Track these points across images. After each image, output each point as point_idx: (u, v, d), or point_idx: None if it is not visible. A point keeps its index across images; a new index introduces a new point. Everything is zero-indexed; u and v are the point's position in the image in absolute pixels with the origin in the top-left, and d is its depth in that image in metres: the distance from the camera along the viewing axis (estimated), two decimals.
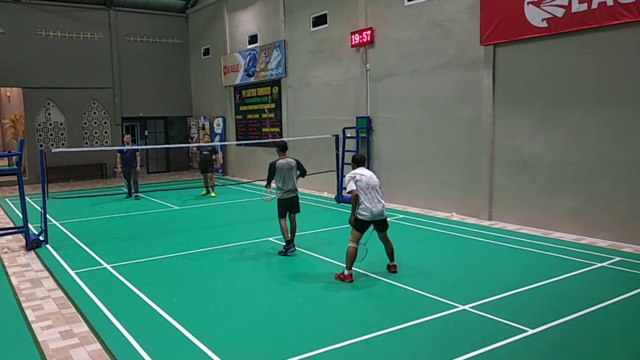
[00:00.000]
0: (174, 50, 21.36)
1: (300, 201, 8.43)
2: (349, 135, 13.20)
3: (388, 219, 6.96)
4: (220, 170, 19.57)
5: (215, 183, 15.45)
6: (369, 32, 12.51)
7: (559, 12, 8.72)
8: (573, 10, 8.51)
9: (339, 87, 13.88)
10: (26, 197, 9.24)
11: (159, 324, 5.41)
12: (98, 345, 4.91)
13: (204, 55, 20.72)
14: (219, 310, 5.82)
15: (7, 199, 14.49)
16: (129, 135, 14.62)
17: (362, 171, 6.84)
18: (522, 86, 9.55)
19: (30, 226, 8.93)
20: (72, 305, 5.99)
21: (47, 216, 9.41)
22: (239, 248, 8.61)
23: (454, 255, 7.97)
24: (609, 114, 8.33)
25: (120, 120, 20.32)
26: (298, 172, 8.31)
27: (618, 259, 7.45)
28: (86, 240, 9.21)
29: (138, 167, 14.25)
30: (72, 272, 7.29)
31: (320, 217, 11.11)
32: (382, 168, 12.60)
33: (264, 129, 17.52)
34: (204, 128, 20.68)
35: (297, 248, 8.24)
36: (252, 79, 17.56)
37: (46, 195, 9.26)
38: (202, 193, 14.75)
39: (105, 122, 20.11)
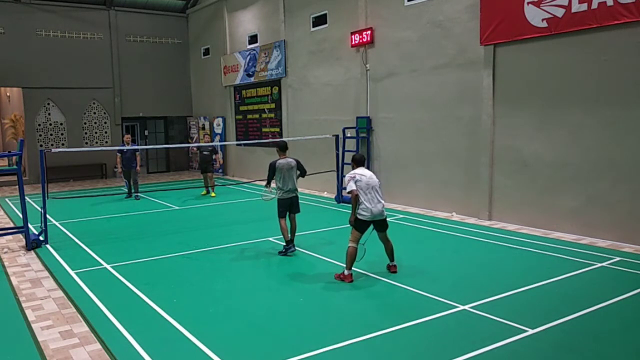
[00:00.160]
0: (174, 50, 21.36)
1: (300, 201, 8.43)
2: (349, 135, 13.20)
3: (388, 219, 6.97)
4: (220, 170, 19.57)
5: (215, 183, 15.45)
6: (369, 32, 12.51)
7: (559, 12, 8.72)
8: (573, 10, 8.52)
9: (339, 87, 13.88)
10: (26, 197, 9.24)
11: (159, 324, 5.41)
12: (98, 345, 4.91)
13: (204, 55, 20.72)
14: (219, 310, 5.82)
15: (7, 199, 14.49)
16: (129, 135, 14.62)
17: (362, 171, 6.84)
18: (522, 86, 9.55)
19: (30, 226, 8.93)
20: (72, 305, 5.99)
21: (47, 216, 9.41)
22: (239, 248, 8.61)
23: (454, 255, 7.97)
24: (609, 114, 8.33)
25: (120, 120, 20.32)
26: (298, 172, 8.31)
27: (618, 259, 7.45)
28: (86, 240, 9.21)
29: (138, 167, 14.26)
30: (72, 272, 7.29)
31: (320, 217, 11.11)
32: (382, 168, 12.60)
33: (264, 129, 17.52)
34: (204, 128, 20.68)
35: (297, 248, 8.24)
36: (252, 79, 17.56)
37: (46, 195, 9.26)
38: (202, 193, 14.75)
39: (105, 122, 20.11)
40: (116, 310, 5.75)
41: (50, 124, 19.02)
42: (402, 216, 10.95)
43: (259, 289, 6.59)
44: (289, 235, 8.14)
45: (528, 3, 9.16)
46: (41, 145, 18.38)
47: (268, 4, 16.43)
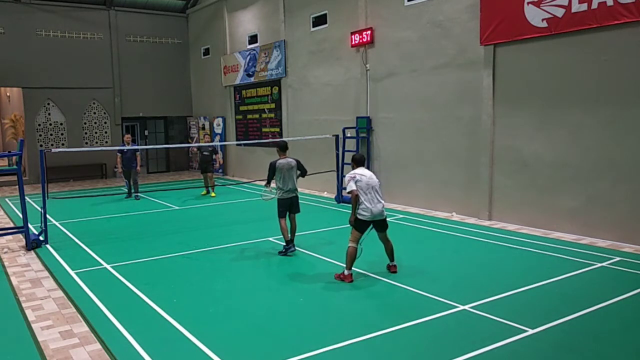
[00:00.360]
0: (174, 50, 21.36)
1: (300, 201, 8.43)
2: (349, 135, 13.20)
3: (388, 219, 6.97)
4: (220, 170, 19.57)
5: (215, 183, 15.45)
6: (369, 32, 12.51)
7: (559, 12, 8.72)
8: (573, 10, 8.51)
9: (339, 87, 13.88)
10: (26, 197, 9.24)
11: (159, 324, 5.41)
12: (98, 345, 4.91)
13: (204, 55, 20.72)
14: (219, 310, 5.82)
15: (7, 199, 14.49)
16: (129, 135, 14.61)
17: (362, 171, 6.84)
18: (522, 86, 9.55)
19: (30, 226, 8.93)
20: (72, 305, 5.99)
21: (47, 216, 9.41)
22: (239, 248, 8.61)
23: (454, 255, 7.97)
24: (609, 114, 8.33)
25: (120, 120, 20.32)
26: (298, 172, 8.31)
27: (618, 259, 7.45)
28: (86, 240, 9.21)
29: (138, 167, 14.26)
30: (72, 272, 7.29)
31: (320, 217, 11.11)
32: (382, 168, 12.60)
33: (264, 129, 17.52)
34: (204, 128, 20.68)
35: (297, 248, 8.24)
36: (252, 79, 17.56)
37: (46, 195, 9.26)
38: (202, 193, 14.75)
39: (105, 122, 20.11)
40: (116, 310, 5.75)
41: (50, 124, 19.02)
42: (402, 216, 10.95)
43: (259, 289, 6.59)
44: (289, 235, 8.14)
45: (528, 3, 9.16)
46: (41, 145, 18.38)
47: (268, 4, 16.43)
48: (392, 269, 7.00)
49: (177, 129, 22.06)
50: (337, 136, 12.95)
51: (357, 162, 7.04)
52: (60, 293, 6.45)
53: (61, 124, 19.23)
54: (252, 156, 18.23)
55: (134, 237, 9.67)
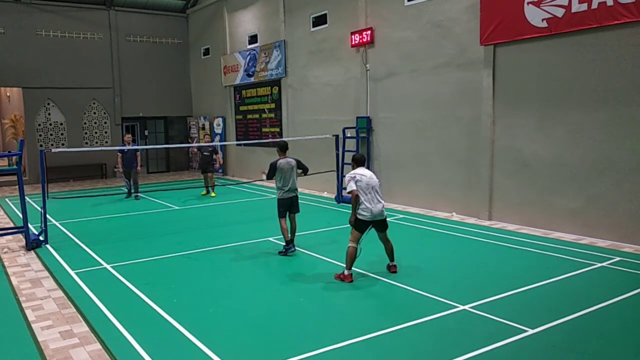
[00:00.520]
0: (174, 50, 21.36)
1: (300, 201, 8.44)
2: (349, 135, 13.20)
3: (388, 219, 6.97)
4: (220, 171, 19.57)
5: (216, 183, 15.45)
6: (369, 32, 12.51)
7: (559, 12, 8.72)
8: (573, 10, 8.51)
9: (339, 87, 13.88)
10: (26, 197, 9.25)
11: (159, 324, 5.41)
12: (98, 345, 4.91)
13: (204, 55, 20.72)
14: (219, 310, 5.82)
15: (7, 199, 14.49)
16: (129, 135, 14.59)
17: (362, 171, 6.85)
18: (522, 86, 9.55)
19: (30, 226, 8.93)
20: (72, 305, 5.99)
21: (47, 216, 9.41)
22: (239, 248, 8.61)
23: (454, 255, 7.97)
24: (609, 114, 8.33)
25: (120, 120, 20.32)
26: (299, 171, 8.33)
27: (618, 259, 7.45)
28: (86, 240, 9.21)
29: (139, 167, 14.26)
30: (72, 272, 7.29)
31: (320, 217, 11.11)
32: (382, 168, 12.60)
33: (264, 129, 17.52)
34: (204, 128, 20.68)
35: (297, 248, 8.24)
36: (252, 79, 17.56)
37: (46, 195, 9.25)
38: (202, 193, 14.76)
39: (105, 122, 20.11)
40: (116, 310, 5.75)
41: (50, 124, 19.03)
42: (402, 216, 10.95)
43: (259, 289, 6.59)
44: (289, 235, 8.14)
45: (528, 3, 9.16)
46: (41, 145, 18.38)
47: (268, 4, 16.43)
48: (392, 269, 7.00)
49: (177, 129, 22.06)
50: (337, 136, 12.95)
51: (357, 162, 7.04)
52: (60, 293, 6.45)
53: (61, 124, 19.23)
54: (252, 156, 18.24)
55: (134, 237, 9.67)
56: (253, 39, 17.53)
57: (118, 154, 14.11)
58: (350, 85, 13.48)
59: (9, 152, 15.36)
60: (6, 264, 7.86)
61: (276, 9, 15.95)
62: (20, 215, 9.10)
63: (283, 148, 8.30)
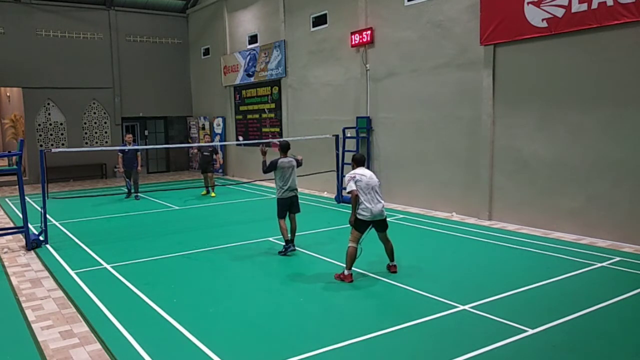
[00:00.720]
0: (174, 50, 21.36)
1: (300, 201, 8.44)
2: (349, 135, 13.20)
3: (388, 219, 6.97)
4: (220, 171, 19.57)
5: (216, 183, 15.45)
6: (369, 32, 12.51)
7: (559, 12, 8.72)
8: (573, 10, 8.51)
9: (339, 87, 13.88)
10: (26, 197, 9.24)
11: (159, 324, 5.41)
12: (98, 345, 4.91)
13: (204, 55, 20.72)
14: (219, 310, 5.82)
15: (7, 199, 14.49)
16: (130, 135, 14.58)
17: (362, 171, 6.85)
18: (522, 86, 9.55)
19: (30, 226, 8.93)
20: (72, 305, 5.99)
21: (47, 216, 9.41)
22: (239, 248, 8.61)
23: (454, 255, 7.97)
24: (609, 114, 8.33)
25: (120, 120, 20.32)
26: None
27: (618, 259, 7.45)
28: (86, 240, 9.21)
29: (139, 167, 14.26)
30: (72, 272, 7.29)
31: (320, 217, 11.11)
32: (382, 168, 12.60)
33: (264, 129, 17.52)
34: (204, 128, 20.68)
35: (297, 248, 8.24)
36: (252, 79, 17.56)
37: (46, 195, 9.25)
38: (202, 193, 14.76)
39: (105, 122, 20.11)
40: (116, 310, 5.75)
41: (50, 124, 19.03)
42: (402, 216, 10.95)
43: (259, 289, 6.59)
44: (289, 235, 8.15)
45: (528, 3, 9.15)
46: (41, 145, 18.38)
47: (268, 4, 16.43)
48: (392, 269, 7.00)
49: (177, 129, 22.06)
50: (337, 136, 12.95)
51: (357, 162, 7.05)
52: (60, 293, 6.45)
53: (61, 124, 19.23)
54: (252, 156, 18.22)
55: (134, 237, 9.67)
56: (253, 39, 17.52)
57: (119, 154, 14.11)
58: (350, 85, 13.48)
59: (9, 152, 15.35)
60: (6, 264, 7.86)
61: (276, 9, 15.95)
62: (20, 215, 9.10)
63: (284, 148, 8.31)
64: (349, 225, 6.81)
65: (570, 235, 8.84)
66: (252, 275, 7.23)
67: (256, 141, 17.17)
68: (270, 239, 9.06)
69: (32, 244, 8.68)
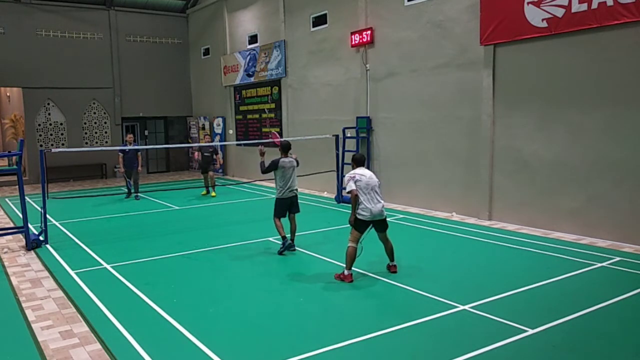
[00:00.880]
0: (174, 50, 21.36)
1: (300, 201, 8.45)
2: (349, 135, 13.20)
3: (388, 219, 6.97)
4: (220, 171, 19.57)
5: (216, 183, 15.46)
6: (369, 32, 12.51)
7: (559, 12, 8.72)
8: (573, 10, 8.51)
9: (339, 87, 13.88)
10: (26, 197, 9.24)
11: (159, 324, 5.41)
12: (98, 345, 4.91)
13: (204, 55, 20.72)
14: (219, 310, 5.82)
15: (7, 199, 14.49)
16: (131, 135, 14.55)
17: (361, 171, 6.85)
18: (522, 86, 9.55)
19: (30, 226, 8.93)
20: (72, 305, 5.99)
21: (47, 216, 9.41)
22: (239, 248, 8.61)
23: (454, 255, 7.97)
24: (609, 114, 8.33)
25: (120, 120, 20.32)
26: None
27: (618, 259, 7.45)
28: (86, 240, 9.21)
29: (140, 167, 14.26)
30: (72, 272, 7.29)
31: (320, 217, 11.11)
32: (382, 168, 12.60)
33: (264, 129, 17.52)
34: (204, 128, 20.68)
35: (297, 248, 8.24)
36: (252, 79, 17.56)
37: (46, 195, 9.25)
38: (203, 193, 14.76)
39: (105, 122, 20.11)
40: (116, 310, 5.75)
41: (50, 124, 19.03)
42: (402, 216, 10.95)
43: (259, 289, 6.59)
44: (284, 232, 8.15)
45: (528, 3, 9.15)
46: (41, 145, 18.38)
47: (268, 4, 16.43)
48: (392, 269, 7.00)
49: (177, 129, 22.06)
50: (337, 136, 12.95)
51: (357, 162, 7.05)
52: (60, 293, 6.45)
53: (61, 124, 19.23)
54: (252, 156, 18.21)
55: (134, 237, 9.67)
56: (253, 39, 17.52)
57: (119, 153, 14.11)
58: (350, 85, 13.48)
59: (9, 152, 15.35)
60: (6, 264, 7.86)
61: (276, 9, 15.95)
62: (20, 215, 9.10)
63: (286, 148, 8.32)
64: (348, 225, 6.81)
65: (570, 235, 8.84)
66: (252, 275, 7.23)
67: (256, 141, 17.18)
68: (270, 239, 9.06)
69: (32, 244, 8.68)
